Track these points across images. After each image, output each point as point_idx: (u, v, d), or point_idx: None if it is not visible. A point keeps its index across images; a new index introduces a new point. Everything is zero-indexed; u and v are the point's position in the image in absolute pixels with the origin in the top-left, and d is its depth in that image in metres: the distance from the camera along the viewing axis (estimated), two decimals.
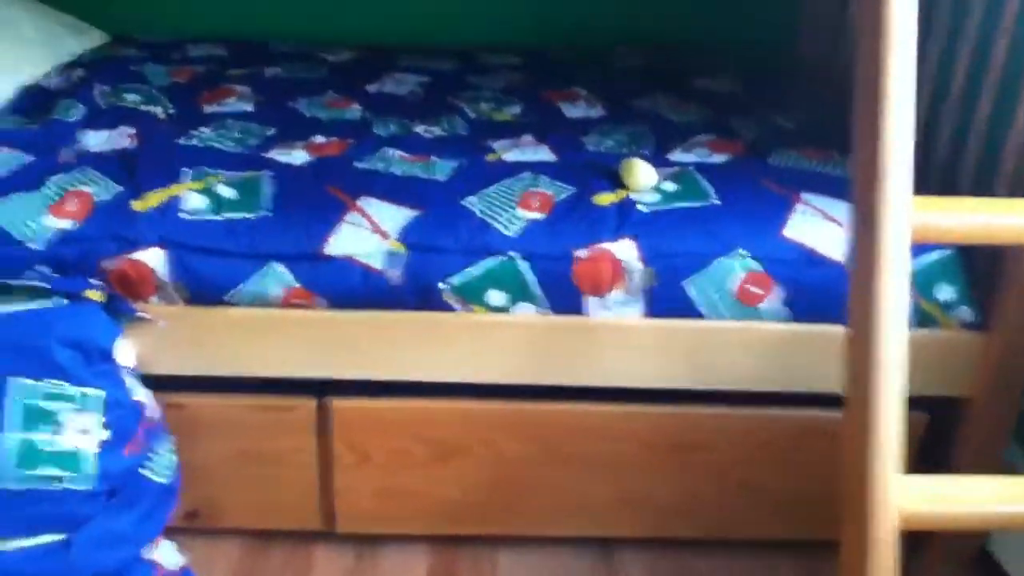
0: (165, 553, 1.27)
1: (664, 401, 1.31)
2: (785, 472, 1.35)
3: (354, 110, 1.65)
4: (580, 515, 1.38)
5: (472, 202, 1.30)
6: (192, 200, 1.28)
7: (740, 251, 1.24)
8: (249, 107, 1.64)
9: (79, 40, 1.96)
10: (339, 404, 1.31)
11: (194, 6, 2.13)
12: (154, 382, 1.26)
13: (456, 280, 1.24)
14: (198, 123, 1.54)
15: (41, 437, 1.13)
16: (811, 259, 1.24)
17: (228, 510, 1.37)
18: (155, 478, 1.23)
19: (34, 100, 1.63)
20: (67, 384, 1.15)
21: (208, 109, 1.63)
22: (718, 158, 1.45)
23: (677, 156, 1.44)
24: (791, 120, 1.62)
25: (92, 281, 1.22)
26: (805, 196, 1.31)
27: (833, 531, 1.32)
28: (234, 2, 2.13)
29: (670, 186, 1.33)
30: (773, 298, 1.25)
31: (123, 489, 1.20)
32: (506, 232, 1.26)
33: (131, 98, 1.66)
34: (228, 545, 1.42)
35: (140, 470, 1.21)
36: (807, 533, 1.38)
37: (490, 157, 1.46)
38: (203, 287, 1.24)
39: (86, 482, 1.15)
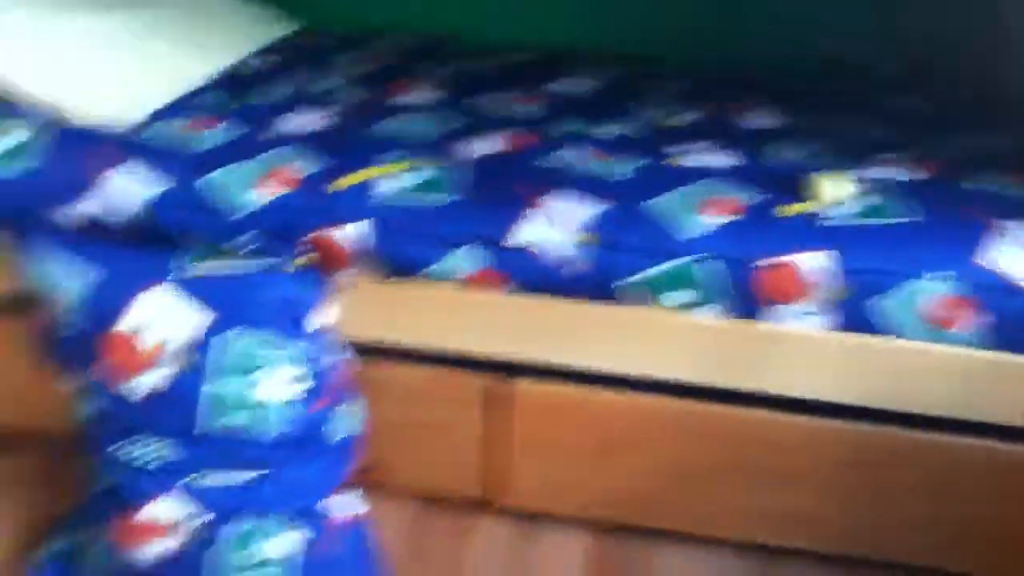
0: (345, 503, 1.34)
1: (840, 416, 1.29)
2: (963, 502, 1.31)
3: (535, 107, 1.69)
4: (744, 520, 1.37)
5: (656, 203, 1.31)
6: (388, 182, 1.34)
7: (935, 273, 1.20)
8: (435, 99, 1.71)
9: (272, 28, 2.07)
10: (516, 385, 1.35)
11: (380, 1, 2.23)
12: (346, 346, 1.33)
13: (638, 277, 1.26)
14: (387, 112, 1.61)
15: (242, 385, 1.21)
16: (1010, 287, 1.20)
17: (399, 472, 1.43)
18: (341, 434, 1.30)
19: (236, 82, 1.74)
20: (273, 340, 1.22)
21: (396, 99, 1.70)
22: (912, 176, 1.41)
23: (867, 172, 1.41)
24: (990, 142, 1.56)
25: (298, 249, 1.29)
26: (1007, 222, 1.26)
27: (1005, 570, 1.28)
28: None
29: (862, 202, 1.30)
30: (966, 324, 1.21)
31: (312, 441, 1.27)
32: (690, 235, 1.26)
33: (324, 84, 1.75)
34: (396, 505, 1.48)
35: (329, 424, 1.28)
36: (981, 567, 1.33)
37: (668, 161, 1.46)
38: (398, 263, 1.30)
39: (280, 430, 1.23)
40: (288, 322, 1.24)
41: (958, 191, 1.37)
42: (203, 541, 1.23)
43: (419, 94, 1.72)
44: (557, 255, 1.27)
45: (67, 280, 1.27)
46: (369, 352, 1.35)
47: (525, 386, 1.35)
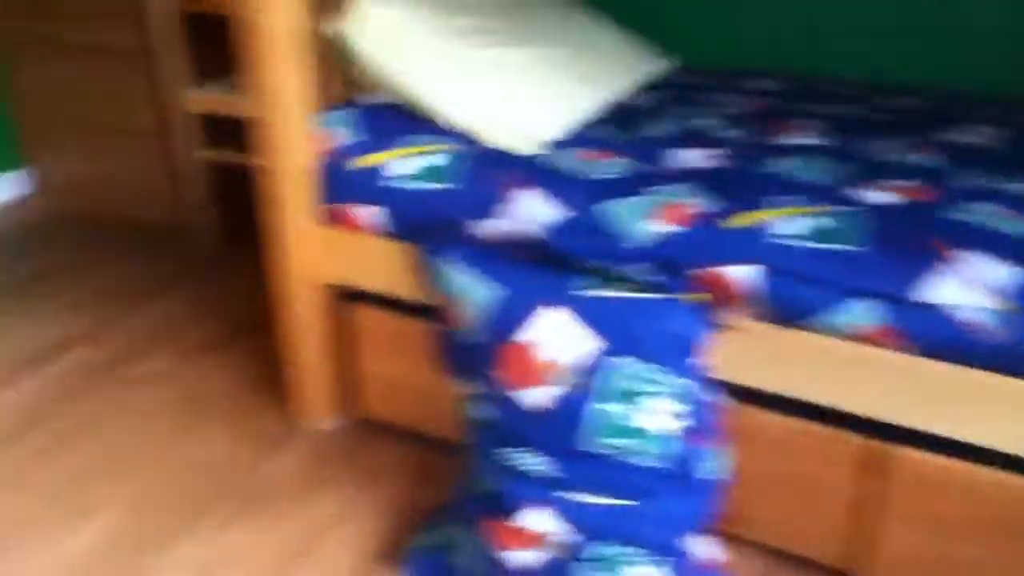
0: (705, 546, 1.35)
1: None
2: None
3: (931, 157, 1.60)
4: None
5: None
6: (783, 225, 1.33)
7: None
8: (818, 142, 1.67)
9: (653, 65, 2.15)
10: (898, 451, 1.29)
11: (757, 39, 2.22)
12: (721, 388, 1.34)
13: None
14: (774, 153, 1.61)
15: (624, 411, 1.26)
16: None
17: (757, 524, 1.42)
18: (710, 474, 1.31)
19: (624, 116, 1.82)
20: (656, 369, 1.26)
21: (778, 140, 1.69)
22: None
23: None
24: None
25: (688, 284, 1.33)
26: None
27: None
28: (794, 38, 2.19)
29: None
30: None
31: (683, 476, 1.29)
32: None
33: (706, 122, 1.78)
34: (749, 556, 1.47)
35: (701, 463, 1.30)
36: None
37: None
38: (787, 309, 1.29)
39: (654, 461, 1.26)
40: (675, 355, 1.27)
41: None
42: (568, 558, 1.29)
43: (803, 136, 1.70)
44: (966, 318, 1.19)
45: (473, 291, 1.39)
46: (741, 396, 1.35)
47: (907, 454, 1.28)
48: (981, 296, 1.19)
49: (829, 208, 1.36)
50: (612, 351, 1.27)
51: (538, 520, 1.29)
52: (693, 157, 1.60)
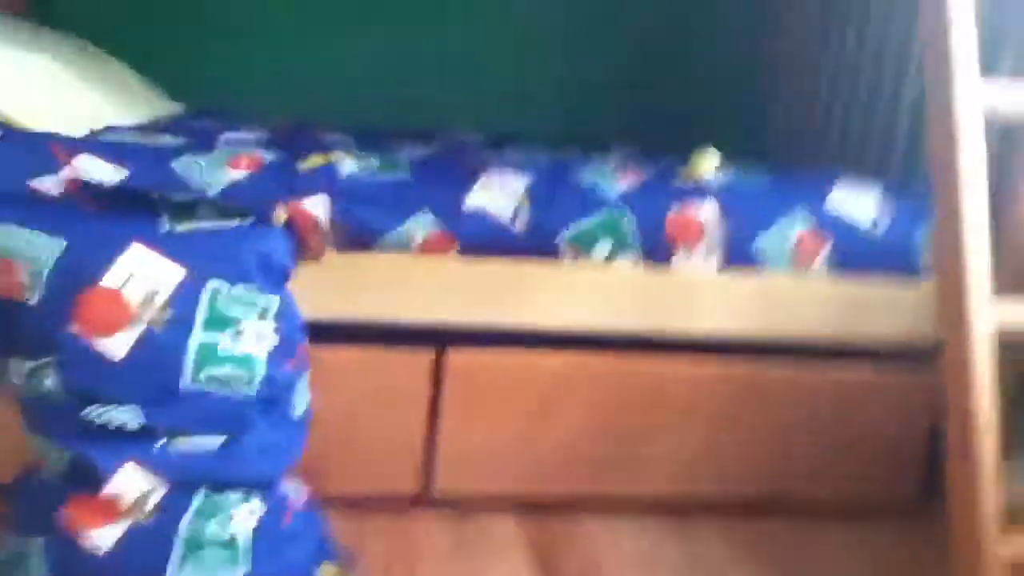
0: (297, 484, 1.33)
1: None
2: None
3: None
4: (663, 473, 1.58)
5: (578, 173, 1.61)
6: (347, 164, 1.53)
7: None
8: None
9: (157, 106, 2.16)
10: (455, 354, 1.49)
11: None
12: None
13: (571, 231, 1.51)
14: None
15: (222, 339, 1.22)
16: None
17: (333, 477, 1.47)
18: (301, 407, 1.32)
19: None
20: (252, 291, 1.25)
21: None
22: None
23: None
24: None
25: (271, 213, 1.35)
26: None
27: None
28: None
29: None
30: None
31: (280, 402, 1.28)
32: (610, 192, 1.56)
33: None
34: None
35: (294, 391, 1.30)
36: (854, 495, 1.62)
37: None
38: (359, 231, 1.46)
39: (252, 387, 1.23)
40: (266, 274, 1.27)
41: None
42: (163, 514, 1.19)
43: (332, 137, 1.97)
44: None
45: (30, 248, 1.23)
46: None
47: (460, 354, 1.50)
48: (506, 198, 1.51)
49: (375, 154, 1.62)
50: (204, 277, 1.23)
51: (129, 481, 1.18)
52: (247, 139, 1.74)
